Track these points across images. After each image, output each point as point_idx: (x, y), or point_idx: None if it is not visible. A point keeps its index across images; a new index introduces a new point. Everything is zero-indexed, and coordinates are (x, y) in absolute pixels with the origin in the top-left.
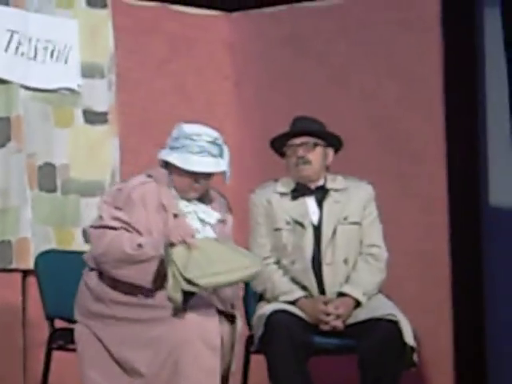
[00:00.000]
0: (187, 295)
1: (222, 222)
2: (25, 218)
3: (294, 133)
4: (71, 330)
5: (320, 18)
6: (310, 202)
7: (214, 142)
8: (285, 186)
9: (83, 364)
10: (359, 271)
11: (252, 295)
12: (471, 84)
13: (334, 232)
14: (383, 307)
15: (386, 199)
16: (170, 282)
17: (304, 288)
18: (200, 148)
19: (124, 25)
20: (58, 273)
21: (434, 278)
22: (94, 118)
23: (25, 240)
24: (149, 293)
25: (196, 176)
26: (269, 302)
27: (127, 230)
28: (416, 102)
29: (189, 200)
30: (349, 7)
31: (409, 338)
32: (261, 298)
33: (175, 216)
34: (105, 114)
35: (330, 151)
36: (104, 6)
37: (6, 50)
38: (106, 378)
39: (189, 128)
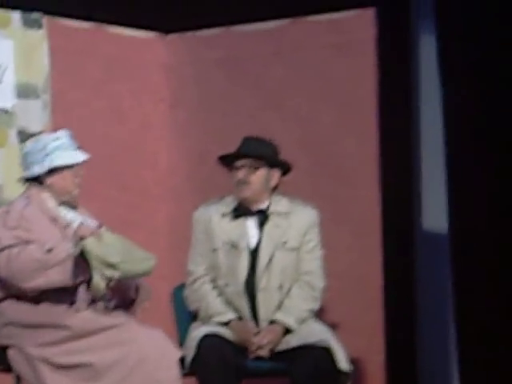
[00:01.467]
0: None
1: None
2: None
3: (235, 155)
4: (2, 350)
5: (256, 42)
6: (251, 224)
7: (71, 137)
8: (227, 205)
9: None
10: (292, 298)
11: (183, 314)
12: (405, 108)
13: (271, 257)
14: (315, 333)
15: (320, 222)
16: (94, 273)
17: (237, 310)
18: (68, 145)
19: (60, 46)
20: None
21: (367, 302)
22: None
23: None
24: (70, 297)
25: (75, 170)
26: (202, 321)
27: (30, 243)
28: (350, 126)
29: (65, 207)
30: (284, 31)
31: (342, 363)
32: (194, 317)
33: (67, 226)
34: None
35: (276, 173)
36: (40, 26)
37: None
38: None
39: (45, 136)
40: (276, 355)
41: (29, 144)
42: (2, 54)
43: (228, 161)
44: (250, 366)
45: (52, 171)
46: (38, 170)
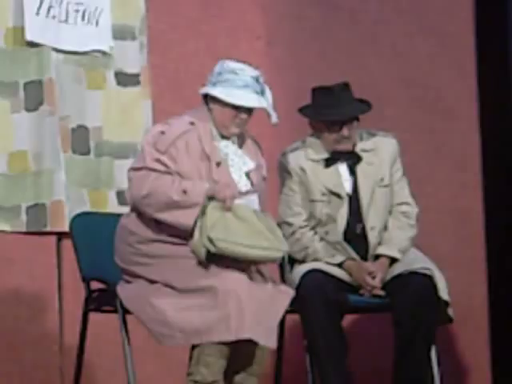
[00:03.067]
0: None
1: (258, 167)
2: (59, 181)
3: (345, 120)
4: (107, 292)
5: None
6: (342, 168)
7: (256, 79)
8: (316, 150)
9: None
10: (391, 230)
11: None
12: (503, 40)
13: (372, 195)
14: (418, 261)
15: (419, 157)
16: (196, 234)
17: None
18: (244, 82)
19: None
20: (92, 235)
21: (468, 235)
22: (126, 79)
23: (59, 203)
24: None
25: (238, 110)
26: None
27: (169, 174)
28: (448, 59)
29: (227, 139)
30: None
31: (443, 293)
32: (295, 261)
33: (218, 164)
34: (137, 75)
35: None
36: None
37: (38, 14)
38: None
39: (232, 63)
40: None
41: (220, 62)
42: None
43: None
44: (352, 300)
45: (215, 100)
46: (203, 89)
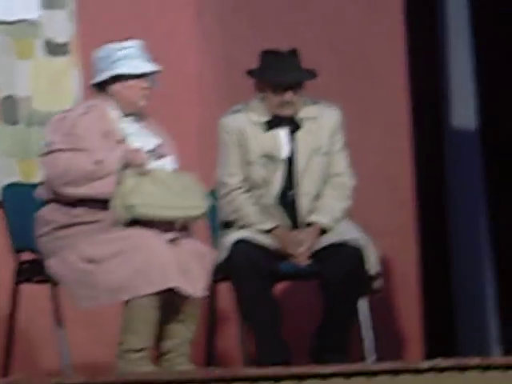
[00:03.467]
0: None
1: (164, 143)
2: None
3: (291, 85)
4: (38, 262)
5: None
6: (282, 133)
7: (142, 48)
8: (258, 113)
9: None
10: (325, 198)
11: (213, 221)
12: (432, 5)
13: (309, 163)
14: (348, 232)
15: (348, 124)
16: (116, 201)
17: (273, 219)
18: (136, 54)
19: None
20: (23, 205)
21: (398, 201)
22: (55, 49)
23: None
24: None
25: (143, 81)
26: (239, 229)
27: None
28: (377, 26)
29: (131, 117)
30: None
31: (370, 265)
32: (226, 225)
33: (120, 142)
34: (66, 44)
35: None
36: None
37: None
38: None
39: (113, 44)
40: (310, 255)
41: (97, 51)
42: None
43: (269, 81)
44: (283, 268)
45: (117, 80)
46: (101, 77)
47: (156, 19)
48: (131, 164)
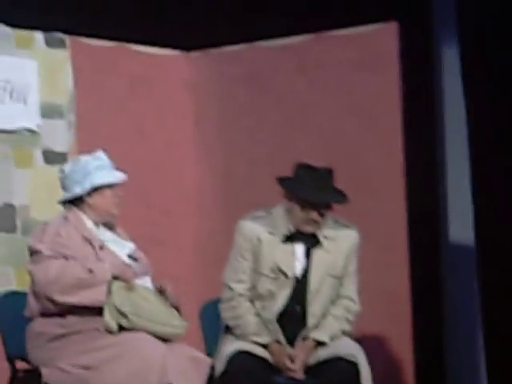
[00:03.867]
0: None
1: (136, 250)
2: None
3: (320, 205)
4: (33, 372)
5: (278, 57)
6: (298, 249)
7: (108, 158)
8: (278, 224)
9: None
10: (329, 317)
11: (211, 331)
12: (430, 121)
13: (321, 284)
14: (345, 347)
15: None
16: (106, 310)
17: (270, 333)
18: (107, 164)
19: (83, 65)
20: (18, 313)
21: (395, 315)
22: (53, 158)
23: None
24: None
25: (115, 190)
26: (238, 338)
27: (66, 259)
28: (375, 141)
29: (104, 228)
30: (307, 46)
31: (365, 380)
32: (225, 331)
33: (101, 248)
34: (65, 154)
35: None
36: (63, 46)
37: None
38: None
39: (84, 157)
40: (306, 370)
41: (68, 166)
42: (27, 74)
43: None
44: (279, 382)
45: (92, 191)
46: (79, 190)
47: (155, 130)
48: (123, 276)
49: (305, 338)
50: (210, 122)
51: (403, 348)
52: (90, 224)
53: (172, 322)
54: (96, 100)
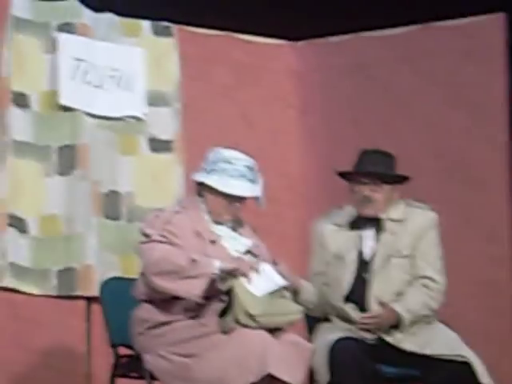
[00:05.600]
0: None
1: (257, 245)
2: (90, 246)
3: (361, 173)
4: (135, 358)
5: (385, 48)
6: (368, 234)
7: (250, 168)
8: (344, 216)
9: None
10: (407, 293)
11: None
12: None
13: (385, 265)
14: (451, 345)
15: (449, 228)
16: (230, 311)
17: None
18: (238, 172)
19: (189, 53)
20: (122, 300)
21: (498, 308)
22: (159, 146)
23: (89, 267)
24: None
25: (232, 199)
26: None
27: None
28: (481, 132)
29: (221, 224)
30: (413, 37)
31: (485, 378)
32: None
33: (212, 242)
34: (170, 142)
35: (397, 187)
36: (169, 34)
37: (73, 79)
38: None
39: (227, 152)
40: (409, 357)
41: (215, 150)
42: (133, 62)
43: (350, 176)
44: (385, 371)
45: (209, 188)
46: (199, 177)
47: (260, 119)
48: (238, 271)
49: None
50: (315, 111)
51: (504, 341)
52: (207, 217)
53: (290, 309)
54: (202, 88)
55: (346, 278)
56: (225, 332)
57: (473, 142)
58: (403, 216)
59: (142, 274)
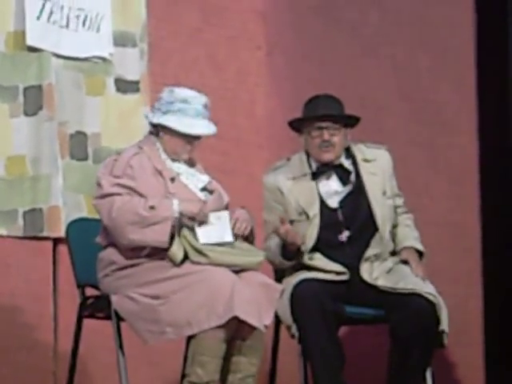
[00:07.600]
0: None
1: (210, 182)
2: (56, 187)
3: (321, 117)
4: (102, 298)
5: None
6: (332, 183)
7: (205, 105)
8: (297, 167)
9: None
10: (401, 230)
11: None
12: (503, 54)
13: (382, 208)
14: (420, 282)
15: (416, 170)
16: (177, 240)
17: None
18: (195, 111)
19: None
20: (88, 241)
21: (464, 249)
22: (125, 86)
23: (56, 208)
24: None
25: (190, 138)
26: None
27: (130, 195)
28: (448, 72)
29: (178, 161)
30: None
31: (444, 323)
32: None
33: (172, 180)
34: (136, 82)
35: (348, 130)
36: None
37: (39, 19)
38: None
39: (183, 92)
40: (376, 296)
41: (167, 90)
42: (100, 2)
43: (306, 123)
44: (349, 312)
45: (165, 129)
46: (155, 119)
47: (227, 60)
48: (188, 213)
49: (403, 249)
50: (283, 52)
51: (471, 283)
52: (164, 155)
53: (252, 251)
54: (168, 29)
55: (315, 232)
56: (175, 264)
57: (440, 83)
58: (373, 156)
59: (105, 228)
